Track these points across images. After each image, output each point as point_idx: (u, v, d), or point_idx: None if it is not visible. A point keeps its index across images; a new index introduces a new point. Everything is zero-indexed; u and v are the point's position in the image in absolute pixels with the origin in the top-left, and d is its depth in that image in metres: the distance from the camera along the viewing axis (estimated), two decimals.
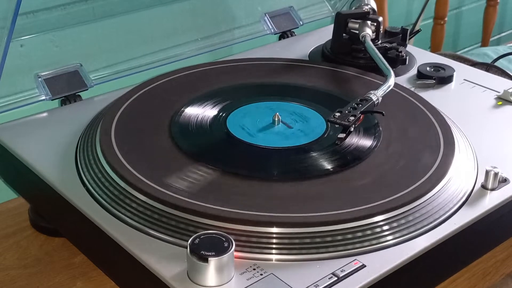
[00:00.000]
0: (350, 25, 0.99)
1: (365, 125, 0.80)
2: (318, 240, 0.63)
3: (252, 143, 0.76)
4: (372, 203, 0.66)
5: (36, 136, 0.81)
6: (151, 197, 0.67)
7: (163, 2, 1.02)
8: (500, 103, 0.89)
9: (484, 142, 0.80)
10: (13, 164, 0.79)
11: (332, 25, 1.02)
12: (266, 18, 1.13)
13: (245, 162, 0.74)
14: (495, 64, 1.23)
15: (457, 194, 0.70)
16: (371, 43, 0.95)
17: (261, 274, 0.60)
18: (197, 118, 0.82)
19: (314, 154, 0.75)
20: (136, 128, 0.80)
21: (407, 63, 0.98)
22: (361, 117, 0.78)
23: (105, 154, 0.73)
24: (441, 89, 0.94)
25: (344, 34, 1.00)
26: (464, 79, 0.96)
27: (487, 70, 1.11)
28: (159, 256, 0.62)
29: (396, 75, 0.93)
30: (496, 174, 0.71)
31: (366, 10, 1.00)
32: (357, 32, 0.98)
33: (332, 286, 0.59)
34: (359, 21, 0.98)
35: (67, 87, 0.90)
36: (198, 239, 0.59)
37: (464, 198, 0.70)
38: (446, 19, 1.81)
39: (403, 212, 0.66)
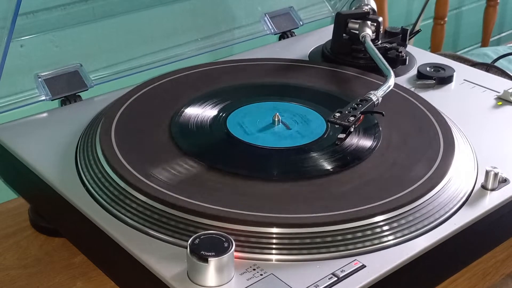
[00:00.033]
0: (350, 25, 0.99)
1: (365, 125, 0.80)
2: (318, 240, 0.63)
3: (252, 143, 0.76)
4: (372, 203, 0.66)
5: (36, 136, 0.81)
6: (151, 197, 0.67)
7: (163, 2, 1.02)
8: (500, 103, 0.89)
9: (484, 142, 0.80)
10: (13, 164, 0.79)
11: (332, 25, 1.02)
12: (266, 18, 1.13)
13: (245, 162, 0.74)
14: (495, 64, 1.23)
15: (457, 194, 0.70)
16: (371, 43, 0.95)
17: (261, 275, 0.60)
18: (197, 118, 0.82)
19: (314, 154, 0.75)
20: (136, 128, 0.80)
21: (407, 63, 0.98)
22: (361, 118, 0.78)
23: (105, 154, 0.73)
24: (441, 89, 0.94)
25: (344, 34, 1.00)
26: (464, 79, 0.96)
27: (487, 70, 1.11)
28: (159, 256, 0.62)
29: (396, 75, 0.93)
30: (496, 174, 0.71)
31: (366, 10, 1.00)
32: (357, 32, 0.98)
33: (332, 286, 0.59)
34: (359, 21, 0.98)
35: (67, 87, 0.90)
36: (198, 239, 0.59)
37: (464, 198, 0.71)
38: (446, 19, 1.81)
39: (403, 212, 0.66)
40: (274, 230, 0.63)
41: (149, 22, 1.01)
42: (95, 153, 0.74)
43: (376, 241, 0.64)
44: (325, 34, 1.08)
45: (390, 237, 0.64)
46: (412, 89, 0.92)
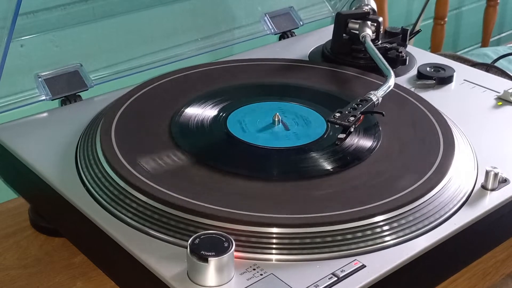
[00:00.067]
0: (350, 25, 0.99)
1: (365, 125, 0.80)
2: (318, 240, 0.63)
3: (252, 143, 0.76)
4: (372, 203, 0.66)
5: (36, 136, 0.81)
6: (151, 197, 0.67)
7: (163, 2, 1.02)
8: (500, 103, 0.89)
9: (484, 142, 0.80)
10: (13, 164, 0.79)
11: (332, 26, 1.02)
12: (266, 18, 1.13)
13: (246, 162, 0.74)
14: (495, 64, 1.23)
15: (457, 194, 0.70)
16: (371, 43, 0.95)
17: (261, 274, 0.60)
18: (197, 118, 0.82)
19: (314, 154, 0.75)
20: (136, 128, 0.80)
21: (407, 63, 0.98)
22: (361, 118, 0.78)
23: (105, 154, 0.73)
24: (441, 90, 0.94)
25: (344, 35, 1.00)
26: (464, 80, 0.96)
27: (487, 71, 1.11)
28: (159, 256, 0.62)
29: (396, 75, 0.93)
30: (496, 174, 0.71)
31: (366, 10, 1.00)
32: (357, 32, 0.98)
33: (332, 286, 0.59)
34: (359, 21, 0.98)
35: (67, 87, 0.90)
36: (198, 239, 0.59)
37: (464, 198, 0.71)
38: (446, 19, 1.81)
39: (403, 212, 0.66)
40: (274, 230, 0.63)
41: (149, 22, 1.01)
42: (95, 153, 0.74)
43: (376, 241, 0.64)
44: (325, 34, 1.08)
45: (390, 237, 0.64)
46: (412, 89, 0.92)
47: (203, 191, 0.68)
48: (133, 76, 0.97)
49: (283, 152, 0.76)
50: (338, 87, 0.92)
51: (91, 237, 0.70)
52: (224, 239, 0.59)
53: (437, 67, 0.97)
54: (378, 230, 0.64)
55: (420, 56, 1.02)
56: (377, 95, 0.81)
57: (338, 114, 0.78)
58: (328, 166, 0.73)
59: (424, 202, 0.68)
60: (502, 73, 1.14)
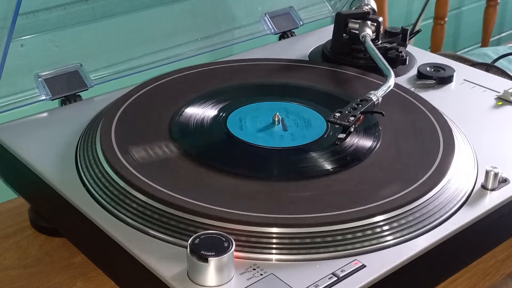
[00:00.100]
0: (350, 25, 0.99)
1: (365, 125, 0.80)
2: (318, 240, 0.63)
3: (252, 143, 0.76)
4: (372, 203, 0.66)
5: (36, 136, 0.81)
6: (151, 197, 0.67)
7: (163, 2, 1.02)
8: (500, 103, 0.89)
9: (484, 142, 0.80)
10: (13, 164, 0.79)
11: (332, 25, 1.02)
12: (266, 18, 1.13)
13: (246, 162, 0.74)
14: (495, 64, 1.23)
15: (457, 194, 0.70)
16: (371, 43, 0.95)
17: (261, 274, 0.60)
18: (197, 118, 0.82)
19: (314, 154, 0.75)
20: (136, 128, 0.80)
21: (407, 63, 0.98)
22: (361, 118, 0.78)
23: (105, 154, 0.73)
24: (441, 89, 0.94)
25: (344, 34, 1.00)
26: (464, 79, 0.96)
27: (487, 70, 1.11)
28: (159, 256, 0.62)
29: (396, 75, 0.93)
30: (496, 174, 0.71)
31: (366, 10, 1.00)
32: (357, 32, 0.98)
33: (332, 286, 0.59)
34: (359, 21, 0.98)
35: (67, 87, 0.90)
36: (198, 239, 0.59)
37: (464, 198, 0.70)
38: (446, 19, 1.81)
39: (403, 212, 0.66)
40: (274, 230, 0.63)
41: (149, 22, 1.01)
42: (95, 153, 0.74)
43: (376, 241, 0.64)
44: (325, 34, 1.08)
45: (390, 237, 0.64)
46: (412, 89, 0.92)
47: (203, 191, 0.68)
48: (133, 76, 0.97)
49: (283, 152, 0.76)
50: (338, 87, 0.92)
51: (91, 237, 0.70)
52: (224, 239, 0.59)
53: (437, 67, 0.97)
54: (378, 230, 0.64)
55: (420, 56, 1.02)
56: (377, 95, 0.81)
57: (338, 114, 0.78)
58: (328, 166, 0.73)
59: (424, 202, 0.68)
60: (502, 73, 1.14)
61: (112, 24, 0.97)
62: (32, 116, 0.87)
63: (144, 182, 0.69)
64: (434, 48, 1.82)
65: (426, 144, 0.77)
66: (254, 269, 0.61)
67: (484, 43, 1.97)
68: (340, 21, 0.99)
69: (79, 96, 0.91)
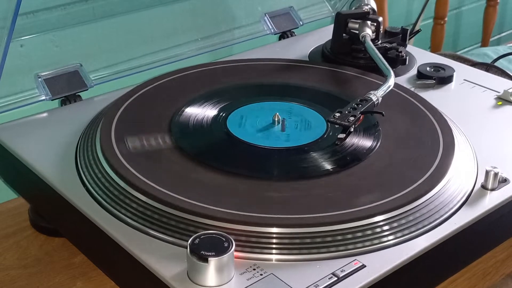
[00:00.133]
0: (350, 25, 0.99)
1: (365, 125, 0.80)
2: (318, 240, 0.63)
3: (252, 143, 0.76)
4: (372, 203, 0.66)
5: (36, 136, 0.81)
6: (151, 197, 0.67)
7: (163, 2, 1.02)
8: (500, 103, 0.89)
9: (484, 142, 0.80)
10: (13, 164, 0.79)
11: (332, 25, 1.02)
12: (266, 18, 1.13)
13: (246, 162, 0.74)
14: (495, 64, 1.23)
15: (457, 194, 0.70)
16: (371, 43, 0.95)
17: (261, 274, 0.60)
18: (197, 118, 0.82)
19: (314, 154, 0.75)
20: (136, 128, 0.80)
21: (407, 63, 0.98)
22: (361, 118, 0.78)
23: (105, 154, 0.73)
24: (441, 89, 0.94)
25: (344, 34, 1.00)
26: (464, 79, 0.96)
27: (487, 70, 1.11)
28: (159, 256, 0.62)
29: (396, 75, 0.93)
30: (496, 174, 0.71)
31: (366, 10, 1.00)
32: (357, 32, 0.98)
33: (332, 286, 0.59)
34: (359, 21, 0.98)
35: (67, 87, 0.90)
36: (198, 239, 0.59)
37: (464, 198, 0.70)
38: (446, 19, 1.81)
39: (403, 212, 0.66)
40: (274, 230, 0.63)
41: (149, 22, 1.01)
42: (95, 153, 0.74)
43: (376, 241, 0.64)
44: (325, 34, 1.08)
45: (390, 237, 0.64)
46: (412, 89, 0.92)
47: (203, 191, 0.68)
48: (133, 76, 0.97)
49: (283, 152, 0.76)
50: (338, 87, 0.92)
51: (91, 237, 0.70)
52: (224, 239, 0.59)
53: (437, 67, 0.97)
54: (378, 230, 0.64)
55: (420, 56, 1.02)
56: (377, 95, 0.81)
57: (338, 114, 0.78)
58: (328, 166, 0.73)
59: (424, 202, 0.68)
60: (502, 73, 1.14)
61: (112, 24, 0.97)
62: (32, 116, 0.87)
63: (144, 182, 0.69)
64: (434, 48, 1.82)
65: (426, 144, 0.77)
66: (254, 269, 0.61)
67: (484, 43, 1.97)
68: (340, 21, 0.99)
69: (79, 96, 0.91)
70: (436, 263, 0.67)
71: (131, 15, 0.99)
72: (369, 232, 0.64)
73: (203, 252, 0.57)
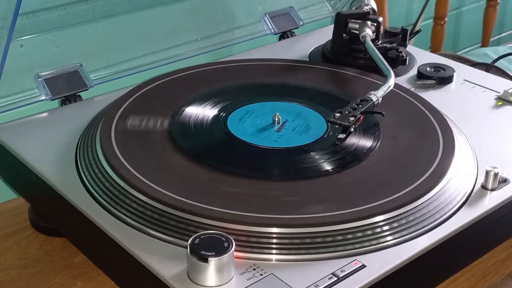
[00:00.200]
0: (350, 25, 0.99)
1: (365, 125, 0.80)
2: (318, 240, 0.63)
3: (252, 143, 0.76)
4: (372, 203, 0.66)
5: (36, 136, 0.81)
6: (151, 197, 0.67)
7: (163, 2, 1.02)
8: (500, 103, 0.89)
9: (484, 142, 0.80)
10: (13, 164, 0.79)
11: (332, 25, 1.02)
12: (266, 18, 1.13)
13: (246, 162, 0.74)
14: (495, 64, 1.23)
15: (457, 194, 0.70)
16: (371, 43, 0.95)
17: (261, 274, 0.60)
18: (197, 118, 0.82)
19: (314, 154, 0.75)
20: (136, 128, 0.80)
21: (407, 63, 0.98)
22: (361, 118, 0.78)
23: (105, 154, 0.73)
24: (441, 89, 0.94)
25: (344, 34, 1.00)
26: (464, 80, 0.96)
27: (487, 71, 1.11)
28: (159, 256, 0.62)
29: (396, 75, 0.93)
30: (496, 174, 0.71)
31: (366, 10, 1.00)
32: (357, 32, 0.98)
33: (332, 286, 0.59)
34: (359, 21, 0.98)
35: (67, 87, 0.90)
36: (198, 239, 0.59)
37: (464, 198, 0.70)
38: (446, 19, 1.81)
39: (403, 212, 0.66)
40: (274, 230, 0.63)
41: (149, 22, 1.01)
42: (95, 153, 0.74)
43: (376, 241, 0.64)
44: (325, 34, 1.08)
45: (390, 237, 0.64)
46: (412, 89, 0.92)
47: (203, 191, 0.68)
48: (133, 76, 0.97)
49: (284, 152, 0.76)
50: (338, 87, 0.92)
51: (91, 237, 0.70)
52: (224, 239, 0.59)
53: (437, 67, 0.97)
54: (378, 230, 0.64)
55: (420, 56, 1.02)
56: (377, 95, 0.81)
57: (338, 114, 0.78)
58: (328, 166, 0.73)
59: (424, 202, 0.68)
60: (502, 73, 1.14)
61: (112, 24, 0.97)
62: (32, 116, 0.87)
63: (144, 182, 0.69)
64: (434, 48, 1.82)
65: (426, 144, 0.77)
66: (254, 269, 0.61)
67: (484, 43, 1.97)
68: (340, 21, 0.99)
69: (79, 96, 0.91)
70: (436, 263, 0.67)
71: (131, 15, 0.99)
72: (369, 232, 0.64)
73: (203, 252, 0.57)
